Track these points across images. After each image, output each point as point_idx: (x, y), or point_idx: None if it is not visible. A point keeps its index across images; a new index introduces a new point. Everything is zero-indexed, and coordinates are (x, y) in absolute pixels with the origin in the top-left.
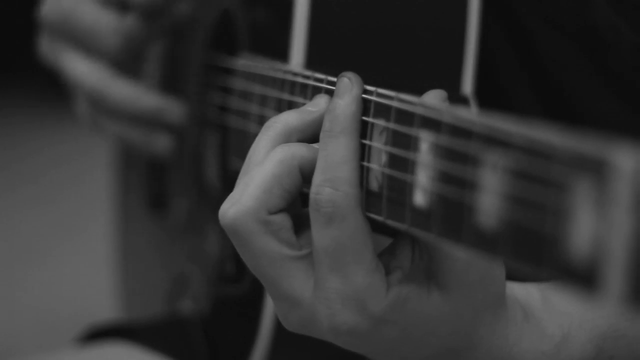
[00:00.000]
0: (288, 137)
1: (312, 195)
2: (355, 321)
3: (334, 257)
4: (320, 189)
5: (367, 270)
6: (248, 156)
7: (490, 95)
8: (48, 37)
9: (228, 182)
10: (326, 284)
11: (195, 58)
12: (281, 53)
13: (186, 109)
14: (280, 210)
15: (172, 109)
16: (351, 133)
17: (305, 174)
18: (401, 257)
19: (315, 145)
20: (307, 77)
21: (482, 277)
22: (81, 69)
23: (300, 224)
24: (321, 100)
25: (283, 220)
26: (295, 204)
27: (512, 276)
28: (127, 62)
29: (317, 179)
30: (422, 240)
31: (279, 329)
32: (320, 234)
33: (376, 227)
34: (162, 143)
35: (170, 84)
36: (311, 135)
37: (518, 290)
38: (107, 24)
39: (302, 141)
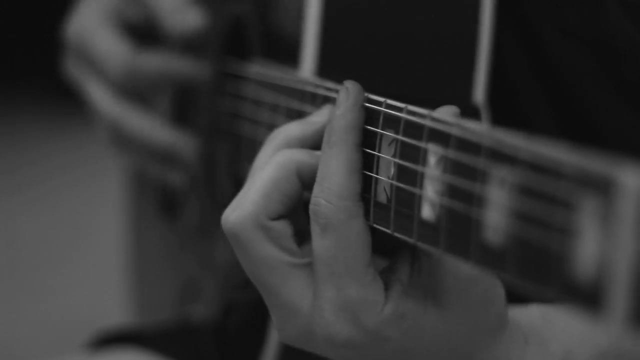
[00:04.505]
0: (289, 147)
1: (310, 206)
2: (349, 333)
3: (328, 267)
4: (316, 200)
5: (360, 284)
6: (253, 165)
7: (504, 106)
8: (72, 58)
9: (239, 187)
10: (322, 293)
11: (207, 65)
12: (293, 59)
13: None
14: (281, 217)
15: (184, 146)
16: (345, 144)
17: (305, 180)
18: (400, 271)
19: (317, 152)
20: (317, 86)
21: (482, 298)
22: (98, 95)
23: (304, 234)
24: (325, 111)
25: (283, 227)
26: (298, 212)
27: (514, 296)
28: (132, 94)
29: (315, 189)
30: (423, 257)
31: None
32: (316, 243)
33: (378, 249)
34: (174, 178)
35: (182, 108)
36: (312, 146)
37: (518, 311)
38: (116, 55)
39: None
